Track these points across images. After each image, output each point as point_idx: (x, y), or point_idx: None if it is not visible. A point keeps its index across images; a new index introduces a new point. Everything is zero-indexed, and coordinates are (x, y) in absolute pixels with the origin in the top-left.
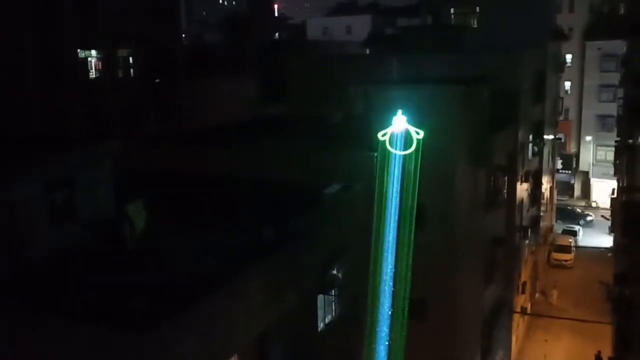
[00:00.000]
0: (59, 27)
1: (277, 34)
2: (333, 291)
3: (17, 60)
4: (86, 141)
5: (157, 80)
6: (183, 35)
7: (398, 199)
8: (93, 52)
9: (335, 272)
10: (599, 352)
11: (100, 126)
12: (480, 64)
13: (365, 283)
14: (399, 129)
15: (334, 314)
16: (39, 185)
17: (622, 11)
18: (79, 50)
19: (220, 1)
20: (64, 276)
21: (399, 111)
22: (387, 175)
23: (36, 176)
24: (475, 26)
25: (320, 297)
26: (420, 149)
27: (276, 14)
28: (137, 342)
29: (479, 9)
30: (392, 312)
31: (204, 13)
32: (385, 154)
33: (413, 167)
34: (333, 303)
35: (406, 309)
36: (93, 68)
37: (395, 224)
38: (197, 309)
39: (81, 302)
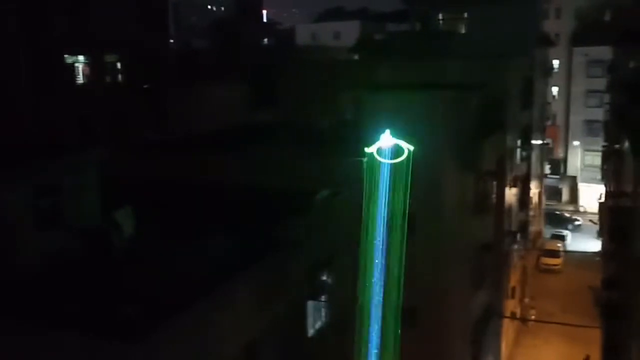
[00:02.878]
0: (46, 32)
1: (266, 40)
2: (323, 297)
3: (4, 66)
4: (74, 147)
5: (145, 86)
6: (172, 41)
7: (387, 210)
8: (81, 58)
9: (324, 278)
10: (588, 356)
11: (88, 132)
12: (469, 69)
13: (354, 289)
14: (388, 145)
15: (323, 320)
16: (27, 191)
17: (608, 18)
18: (67, 55)
19: (209, 7)
20: (51, 284)
21: (387, 131)
22: (376, 184)
23: (24, 182)
24: (464, 32)
25: (310, 303)
26: (411, 160)
27: (265, 20)
28: (125, 351)
29: (467, 15)
30: (383, 322)
31: (193, 19)
32: (374, 165)
33: (404, 176)
34: (323, 309)
35: (398, 319)
36: (81, 73)
37: (385, 235)
38: (185, 317)
39: (68, 310)
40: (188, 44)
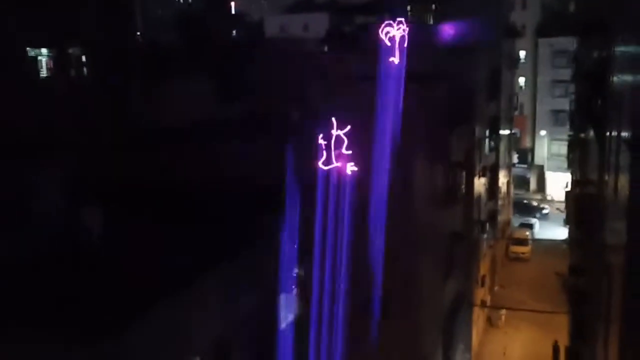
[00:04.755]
0: (5, 23)
1: (234, 32)
2: (294, 290)
3: None
4: (38, 147)
5: (111, 81)
6: (138, 34)
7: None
8: (44, 51)
9: (297, 271)
10: (556, 341)
11: (52, 130)
12: (437, 60)
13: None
14: None
15: (296, 313)
16: None
17: (572, 9)
18: (28, 48)
19: None
20: (17, 286)
21: None
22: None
23: None
24: (432, 23)
25: (282, 296)
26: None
27: (233, 12)
28: (94, 352)
29: (435, 7)
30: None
31: (160, 12)
32: None
33: None
34: (295, 302)
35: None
36: (44, 67)
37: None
38: (155, 315)
39: (35, 313)
40: (154, 37)
